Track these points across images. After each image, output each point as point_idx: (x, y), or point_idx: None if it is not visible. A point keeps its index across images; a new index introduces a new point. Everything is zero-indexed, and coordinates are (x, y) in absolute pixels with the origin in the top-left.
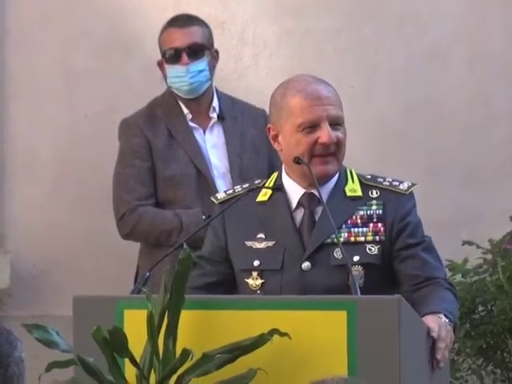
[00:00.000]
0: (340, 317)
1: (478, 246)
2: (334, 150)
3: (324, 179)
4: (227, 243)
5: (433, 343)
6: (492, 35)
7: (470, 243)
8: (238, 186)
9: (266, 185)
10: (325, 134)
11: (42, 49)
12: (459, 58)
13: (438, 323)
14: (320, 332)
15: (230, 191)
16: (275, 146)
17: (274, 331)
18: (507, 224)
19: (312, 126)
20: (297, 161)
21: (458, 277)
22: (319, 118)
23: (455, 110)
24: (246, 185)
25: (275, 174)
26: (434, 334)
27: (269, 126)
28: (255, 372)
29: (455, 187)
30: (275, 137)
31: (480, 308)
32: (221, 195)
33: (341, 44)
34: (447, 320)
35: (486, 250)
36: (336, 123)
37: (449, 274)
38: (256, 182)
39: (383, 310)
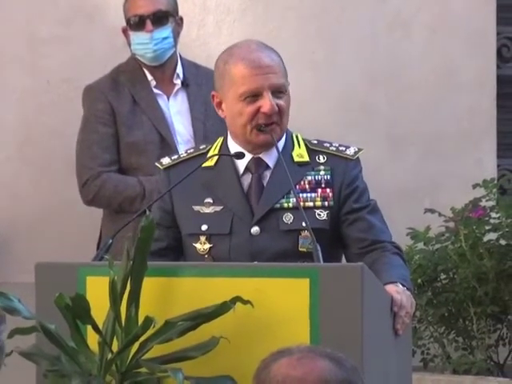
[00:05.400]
0: (302, 284)
1: (440, 214)
2: (277, 119)
3: (267, 147)
4: (173, 208)
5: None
6: (455, 4)
7: (432, 211)
8: (183, 151)
9: (212, 150)
10: (266, 103)
11: (5, 15)
12: (422, 27)
13: (398, 291)
14: (282, 300)
15: (175, 156)
16: (219, 113)
17: (236, 299)
18: (469, 192)
19: (254, 96)
20: (259, 128)
21: (420, 245)
22: (261, 87)
23: (418, 78)
24: (191, 150)
25: (220, 139)
26: (396, 309)
27: (213, 93)
28: (218, 340)
29: (418, 155)
30: (219, 104)
31: (442, 276)
32: (165, 161)
33: (304, 11)
34: (404, 288)
35: (448, 218)
36: (278, 91)
37: (411, 241)
38: (201, 147)
39: (346, 278)
